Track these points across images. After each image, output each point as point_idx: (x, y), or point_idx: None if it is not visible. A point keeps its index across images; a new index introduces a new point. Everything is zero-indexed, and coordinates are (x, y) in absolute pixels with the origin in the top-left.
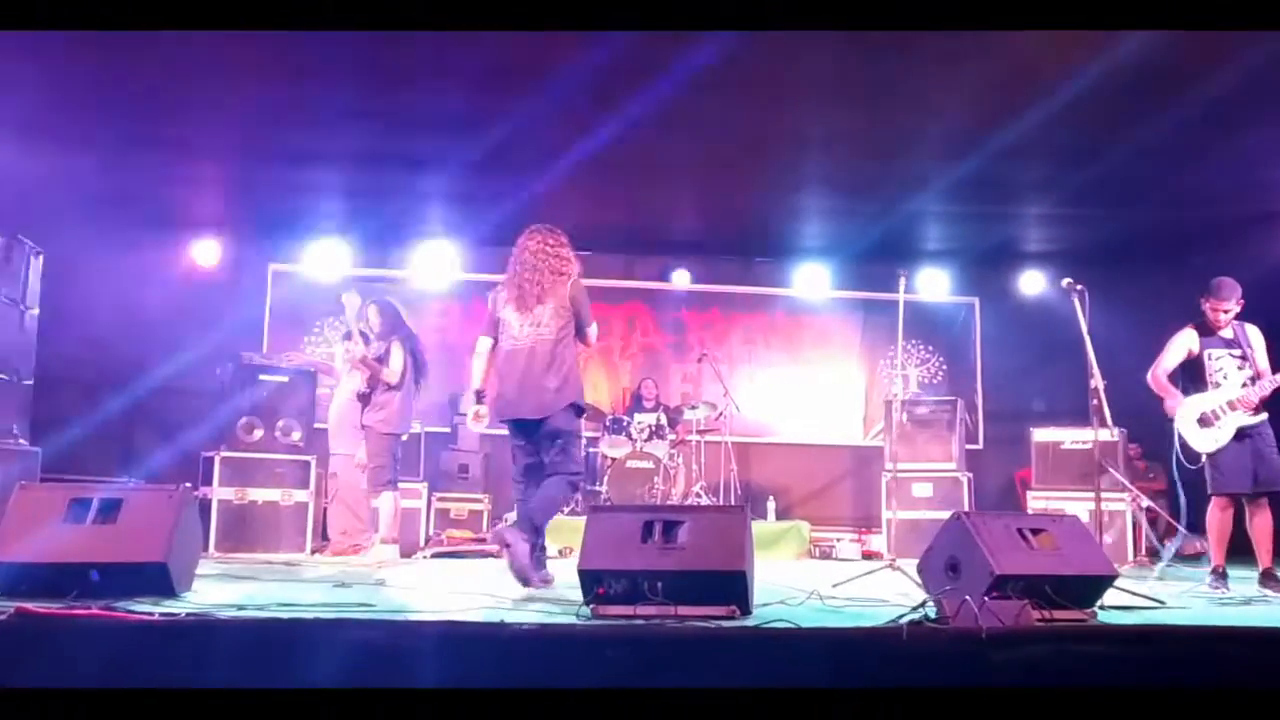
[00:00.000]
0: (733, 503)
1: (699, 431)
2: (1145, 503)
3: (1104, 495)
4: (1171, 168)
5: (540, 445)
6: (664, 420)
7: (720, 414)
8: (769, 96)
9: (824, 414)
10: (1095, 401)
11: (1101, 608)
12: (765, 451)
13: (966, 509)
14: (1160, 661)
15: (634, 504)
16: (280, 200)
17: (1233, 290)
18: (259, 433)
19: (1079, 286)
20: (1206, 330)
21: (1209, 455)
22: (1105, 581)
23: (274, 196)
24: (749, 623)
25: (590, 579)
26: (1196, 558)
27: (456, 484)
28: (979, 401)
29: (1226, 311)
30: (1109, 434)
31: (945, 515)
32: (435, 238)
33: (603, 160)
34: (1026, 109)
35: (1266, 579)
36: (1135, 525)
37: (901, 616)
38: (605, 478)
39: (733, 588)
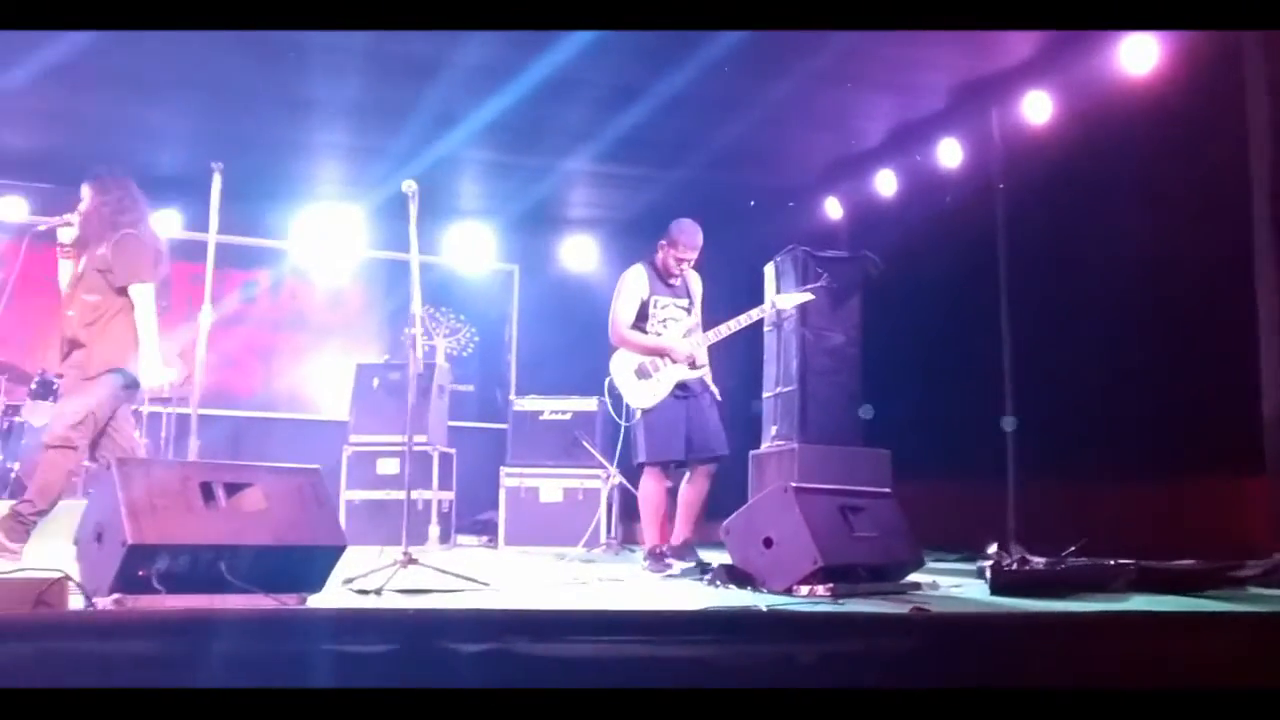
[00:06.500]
0: None
1: (151, 400)
2: (619, 480)
3: (579, 471)
4: (708, 124)
5: None
6: None
7: (188, 379)
8: None
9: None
10: (409, 329)
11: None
12: (248, 426)
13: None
14: None
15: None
16: None
17: (696, 234)
18: None
19: (414, 188)
20: (656, 273)
21: (644, 413)
22: (329, 554)
23: None
24: None
25: None
26: None
27: None
28: (512, 377)
29: (687, 260)
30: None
31: (414, 495)
32: None
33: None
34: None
35: (681, 551)
36: (611, 505)
37: None
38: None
39: None
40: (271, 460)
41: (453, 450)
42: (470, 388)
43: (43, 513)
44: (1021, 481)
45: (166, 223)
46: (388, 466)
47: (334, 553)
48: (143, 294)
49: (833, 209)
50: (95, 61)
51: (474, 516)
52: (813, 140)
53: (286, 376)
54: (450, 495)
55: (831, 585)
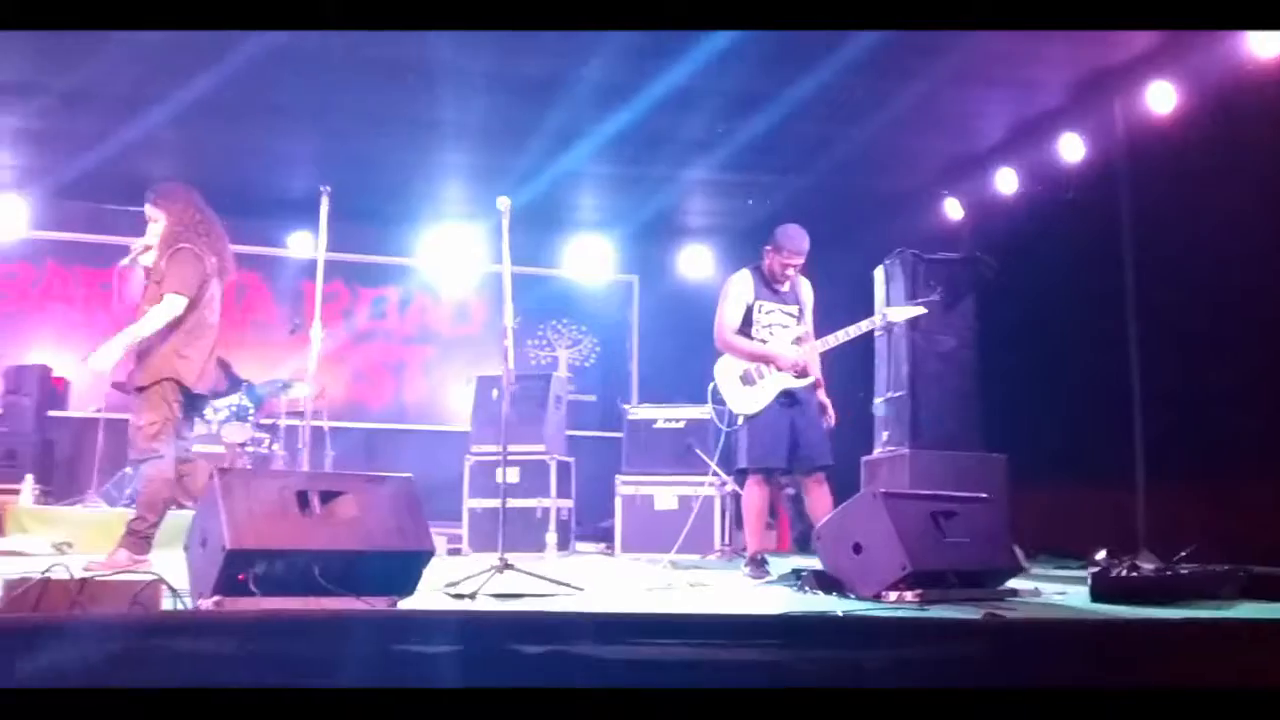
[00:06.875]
0: None
1: (288, 413)
2: (731, 487)
3: (691, 480)
4: (827, 129)
5: None
6: (246, 400)
7: (320, 393)
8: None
9: (454, 397)
10: (506, 341)
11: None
12: (381, 437)
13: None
14: None
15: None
16: None
17: (802, 240)
18: None
19: (507, 204)
20: (762, 279)
21: (747, 420)
22: (418, 559)
23: None
24: None
25: None
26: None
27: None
28: (633, 385)
29: (794, 266)
30: (704, 411)
31: (532, 504)
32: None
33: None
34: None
35: None
36: (724, 512)
37: None
38: None
39: None
40: (402, 470)
41: (570, 459)
42: (593, 398)
43: (155, 524)
44: (1151, 486)
45: (300, 244)
46: (508, 475)
47: (423, 557)
48: (170, 303)
49: (953, 209)
50: (232, 93)
51: (597, 523)
52: (932, 142)
53: (416, 388)
54: (569, 503)
55: (920, 591)
